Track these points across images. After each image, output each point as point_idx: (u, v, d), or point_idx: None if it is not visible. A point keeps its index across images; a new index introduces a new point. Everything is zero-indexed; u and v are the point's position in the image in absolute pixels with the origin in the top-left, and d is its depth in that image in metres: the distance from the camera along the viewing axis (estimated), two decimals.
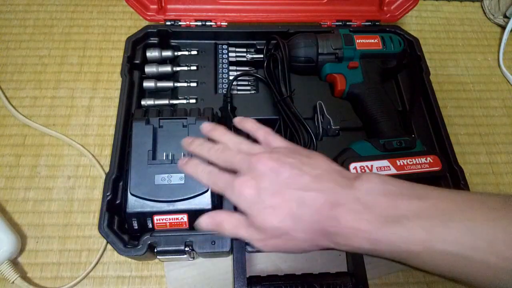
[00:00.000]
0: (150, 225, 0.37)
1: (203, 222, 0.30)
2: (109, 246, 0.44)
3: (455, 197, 0.24)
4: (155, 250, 0.36)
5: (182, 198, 0.36)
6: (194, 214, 0.37)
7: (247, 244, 0.36)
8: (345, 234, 0.25)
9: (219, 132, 0.33)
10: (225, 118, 0.44)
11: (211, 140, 0.33)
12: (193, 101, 0.47)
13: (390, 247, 0.24)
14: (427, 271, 0.24)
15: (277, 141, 0.31)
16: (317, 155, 0.30)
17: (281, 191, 0.26)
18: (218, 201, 0.38)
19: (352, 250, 0.26)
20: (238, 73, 0.49)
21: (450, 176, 0.43)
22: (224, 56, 0.51)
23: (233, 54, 0.51)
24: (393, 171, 0.37)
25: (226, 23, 0.51)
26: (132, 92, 0.46)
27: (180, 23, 0.51)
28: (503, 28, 0.62)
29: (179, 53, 0.50)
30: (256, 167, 0.28)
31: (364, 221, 0.24)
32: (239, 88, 0.49)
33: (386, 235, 0.24)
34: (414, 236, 0.23)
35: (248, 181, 0.27)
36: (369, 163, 0.37)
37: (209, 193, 0.37)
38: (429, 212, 0.23)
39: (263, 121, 0.46)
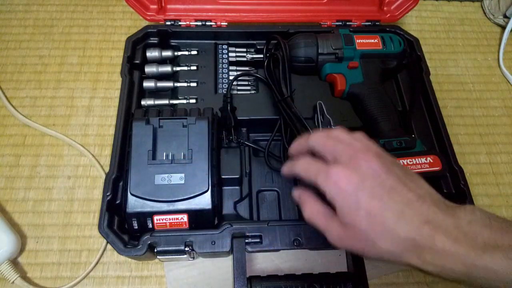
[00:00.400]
0: (150, 225, 0.37)
1: (295, 192, 0.31)
2: (109, 246, 0.44)
3: None
4: (155, 250, 0.36)
5: (182, 198, 0.36)
6: (194, 214, 0.37)
7: (247, 244, 0.37)
8: (439, 252, 0.24)
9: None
10: (224, 119, 0.44)
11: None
12: (193, 101, 0.47)
13: (487, 273, 0.23)
14: None
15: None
16: (418, 176, 0.28)
17: (383, 198, 0.25)
18: (218, 201, 0.38)
19: (440, 272, 0.25)
20: (238, 73, 0.49)
21: (450, 176, 0.43)
22: (224, 56, 0.51)
23: (233, 54, 0.51)
24: None
25: (226, 23, 0.51)
26: (132, 92, 0.46)
27: (180, 23, 0.51)
28: (503, 28, 0.62)
29: (179, 53, 0.50)
30: (360, 163, 0.27)
31: (463, 245, 0.24)
32: (239, 88, 0.49)
33: (485, 261, 0.23)
34: None
35: (348, 173, 0.26)
36: None
37: (209, 193, 0.37)
38: None
39: (263, 121, 0.46)
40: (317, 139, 0.30)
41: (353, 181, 0.26)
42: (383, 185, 0.26)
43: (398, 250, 0.25)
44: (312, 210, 0.29)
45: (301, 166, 0.30)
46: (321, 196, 0.29)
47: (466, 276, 0.24)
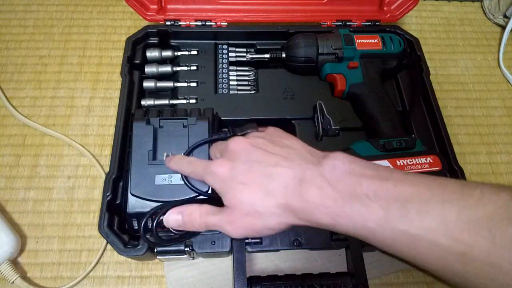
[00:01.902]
0: (150, 225, 0.37)
1: (171, 218, 0.32)
2: (109, 246, 0.44)
3: (416, 180, 0.25)
4: (155, 250, 0.36)
5: (183, 198, 0.36)
6: None
7: (247, 244, 0.37)
8: (308, 209, 0.26)
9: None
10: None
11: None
12: (193, 101, 0.47)
13: (349, 222, 0.25)
14: (383, 250, 0.25)
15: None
16: (292, 137, 0.31)
17: (252, 168, 0.28)
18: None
19: (313, 224, 0.27)
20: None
21: (450, 176, 0.43)
22: (224, 56, 0.51)
23: (233, 54, 0.51)
24: None
25: (226, 23, 0.51)
26: (132, 92, 0.46)
27: (180, 23, 0.51)
28: (503, 28, 0.62)
29: (179, 53, 0.50)
30: (230, 148, 0.30)
31: (326, 196, 0.25)
32: (239, 88, 0.49)
33: (345, 211, 0.25)
34: (371, 213, 0.24)
35: (222, 162, 0.30)
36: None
37: (209, 193, 0.37)
38: (388, 193, 0.24)
39: (263, 121, 0.46)
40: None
41: (227, 165, 0.29)
42: (250, 156, 0.29)
43: (280, 213, 0.27)
44: (200, 216, 0.31)
45: (190, 169, 0.33)
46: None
47: (335, 228, 0.26)
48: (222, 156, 0.31)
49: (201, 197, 0.36)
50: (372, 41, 0.48)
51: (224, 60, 0.51)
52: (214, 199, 0.36)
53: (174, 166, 0.34)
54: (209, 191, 0.36)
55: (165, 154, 0.38)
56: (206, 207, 0.31)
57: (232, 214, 0.28)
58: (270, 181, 0.27)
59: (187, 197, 0.36)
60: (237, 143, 0.30)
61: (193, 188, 0.35)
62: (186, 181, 0.35)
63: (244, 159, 0.29)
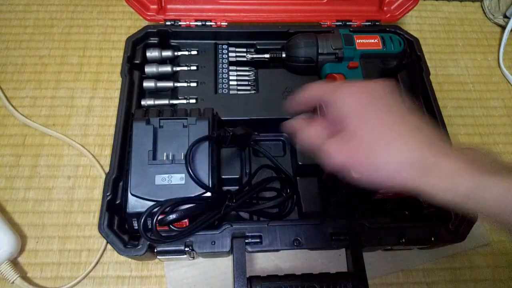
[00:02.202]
0: (150, 225, 0.37)
1: (287, 123, 0.30)
2: (109, 246, 0.44)
3: None
4: (155, 250, 0.36)
5: (183, 196, 0.36)
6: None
7: (247, 244, 0.37)
8: (444, 173, 0.23)
9: None
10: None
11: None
12: (193, 101, 0.47)
13: (492, 196, 0.22)
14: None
15: None
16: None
17: (390, 115, 0.26)
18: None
19: (439, 193, 0.24)
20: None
21: None
22: (224, 56, 0.51)
23: (233, 54, 0.51)
24: None
25: (226, 23, 0.51)
26: (132, 92, 0.46)
27: (180, 23, 0.51)
28: (503, 28, 0.62)
29: (179, 53, 0.50)
30: (371, 86, 0.27)
31: (469, 167, 0.23)
32: (239, 88, 0.49)
33: (492, 183, 0.22)
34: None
35: (359, 90, 0.27)
36: None
37: (209, 194, 0.37)
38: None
39: (263, 121, 0.46)
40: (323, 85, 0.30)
41: (363, 97, 0.26)
42: (391, 107, 0.26)
43: (399, 165, 0.24)
44: (308, 132, 0.29)
45: (315, 87, 0.30)
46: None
47: (468, 199, 0.23)
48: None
49: (204, 195, 0.37)
50: (372, 41, 0.48)
51: (224, 60, 0.51)
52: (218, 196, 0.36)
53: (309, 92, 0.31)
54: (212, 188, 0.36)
55: (165, 154, 0.38)
56: (315, 127, 0.29)
57: (345, 143, 0.26)
58: (407, 136, 0.25)
59: (188, 196, 0.36)
60: (379, 83, 0.27)
61: (198, 183, 0.35)
62: (192, 175, 0.35)
63: (384, 101, 0.26)
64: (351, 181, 0.27)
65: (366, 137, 0.25)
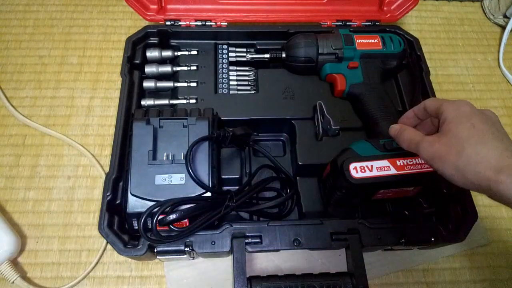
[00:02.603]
0: (150, 225, 0.37)
1: (394, 126, 0.35)
2: (109, 246, 0.44)
3: None
4: (155, 250, 0.36)
5: (184, 196, 0.36)
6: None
7: (247, 244, 0.37)
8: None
9: None
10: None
11: None
12: (193, 101, 0.47)
13: None
14: None
15: None
16: None
17: (491, 127, 0.29)
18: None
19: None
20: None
21: None
22: (224, 56, 0.51)
23: (233, 54, 0.51)
24: (393, 171, 0.37)
25: (226, 23, 0.51)
26: (132, 92, 0.46)
27: (180, 23, 0.51)
28: (503, 28, 0.62)
29: (179, 53, 0.50)
30: (479, 109, 0.31)
31: None
32: (239, 88, 0.49)
33: None
34: None
35: (469, 104, 0.31)
36: (369, 163, 0.37)
37: (209, 194, 0.37)
38: None
39: (263, 121, 0.46)
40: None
41: (472, 108, 0.30)
42: (492, 123, 0.30)
43: (484, 165, 0.27)
44: (411, 133, 0.33)
45: (433, 99, 0.34)
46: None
47: None
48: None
49: (204, 195, 0.37)
50: (372, 41, 0.48)
51: (224, 60, 0.51)
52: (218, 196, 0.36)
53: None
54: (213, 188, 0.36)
55: (165, 154, 0.38)
56: (417, 131, 0.33)
57: (441, 137, 0.29)
58: (502, 142, 0.28)
59: (188, 196, 0.36)
60: (487, 110, 0.31)
61: (198, 183, 0.35)
62: (192, 175, 0.35)
63: (488, 120, 0.30)
64: (438, 172, 0.30)
65: (460, 134, 0.29)
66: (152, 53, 0.49)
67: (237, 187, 0.42)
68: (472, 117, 0.29)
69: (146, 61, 0.49)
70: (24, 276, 0.42)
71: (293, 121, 0.46)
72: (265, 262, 0.42)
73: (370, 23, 0.53)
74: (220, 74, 0.50)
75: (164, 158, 0.38)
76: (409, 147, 0.33)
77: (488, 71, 0.60)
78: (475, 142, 0.28)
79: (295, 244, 0.37)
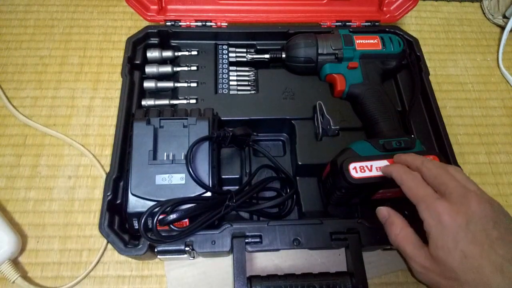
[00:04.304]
0: (150, 225, 0.37)
1: (383, 210, 0.32)
2: (109, 246, 0.44)
3: None
4: (156, 250, 0.36)
5: (184, 196, 0.36)
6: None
7: (247, 243, 0.37)
8: None
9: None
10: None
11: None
12: (193, 101, 0.47)
13: None
14: None
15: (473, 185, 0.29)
16: None
17: (484, 246, 0.25)
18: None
19: None
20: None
21: None
22: (224, 56, 0.51)
23: (233, 55, 0.51)
24: None
25: (226, 24, 0.51)
26: (133, 92, 0.47)
27: (180, 23, 0.51)
28: (503, 28, 0.62)
29: (179, 53, 0.50)
30: (470, 204, 0.26)
31: None
32: (239, 88, 0.49)
33: None
34: None
35: (455, 210, 0.26)
36: (368, 163, 0.37)
37: (209, 194, 0.37)
38: None
39: (263, 121, 0.46)
40: (432, 167, 0.30)
41: (457, 220, 0.26)
42: (488, 233, 0.25)
43: None
44: (401, 233, 0.29)
45: (411, 182, 0.30)
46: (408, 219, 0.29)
47: None
48: (453, 199, 0.27)
49: (205, 195, 0.37)
50: (372, 41, 0.48)
51: (224, 60, 0.51)
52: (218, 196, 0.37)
53: (393, 169, 0.32)
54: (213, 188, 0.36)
55: (165, 154, 0.38)
56: (410, 233, 0.29)
57: (433, 263, 0.26)
58: (498, 273, 0.24)
59: (188, 196, 0.36)
60: (479, 204, 0.26)
61: (199, 183, 0.35)
62: (192, 175, 0.35)
63: (479, 227, 0.25)
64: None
65: (450, 265, 0.25)
66: (152, 54, 0.49)
67: (237, 187, 0.42)
68: (459, 240, 0.25)
69: (146, 61, 0.49)
70: (24, 276, 0.42)
71: (293, 121, 0.46)
72: (265, 261, 0.42)
73: (369, 24, 0.53)
74: (220, 75, 0.50)
75: (165, 158, 0.38)
76: (395, 245, 0.29)
77: (487, 71, 0.60)
78: (473, 279, 0.24)
79: (295, 243, 0.37)
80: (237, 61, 0.51)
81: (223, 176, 0.43)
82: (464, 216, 0.26)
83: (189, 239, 0.36)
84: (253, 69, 0.51)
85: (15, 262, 0.42)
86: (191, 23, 0.51)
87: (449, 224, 0.26)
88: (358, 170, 0.37)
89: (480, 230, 0.25)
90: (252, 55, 0.51)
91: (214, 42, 0.52)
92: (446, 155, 0.44)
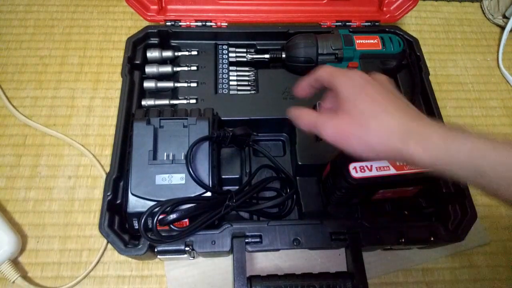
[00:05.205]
0: (150, 225, 0.37)
1: (291, 110, 0.33)
2: (109, 246, 0.44)
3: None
4: (156, 250, 0.36)
5: (184, 196, 0.36)
6: None
7: (247, 243, 0.37)
8: (431, 140, 0.26)
9: None
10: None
11: None
12: (193, 101, 0.47)
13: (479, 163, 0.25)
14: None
15: None
16: None
17: (385, 95, 0.29)
18: None
19: (429, 160, 0.26)
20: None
21: None
22: (224, 56, 0.51)
23: (233, 55, 0.51)
24: (393, 171, 0.37)
25: (226, 24, 0.51)
26: (133, 92, 0.47)
27: (180, 23, 0.51)
28: (503, 28, 0.62)
29: (179, 53, 0.51)
30: (370, 74, 0.31)
31: (452, 138, 0.26)
32: (239, 88, 0.49)
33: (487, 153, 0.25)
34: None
35: (362, 74, 0.31)
36: (368, 163, 0.37)
37: (209, 194, 0.37)
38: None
39: (263, 121, 0.46)
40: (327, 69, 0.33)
41: (364, 78, 0.30)
42: (387, 90, 0.30)
43: (391, 135, 0.27)
44: (307, 115, 0.32)
45: (324, 70, 0.33)
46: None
47: (444, 161, 0.26)
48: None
49: (205, 195, 0.37)
50: (372, 41, 0.48)
51: (224, 60, 0.51)
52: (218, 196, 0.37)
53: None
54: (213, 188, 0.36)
55: (165, 154, 0.38)
56: (315, 112, 0.32)
57: (342, 116, 0.29)
58: (399, 110, 0.28)
59: (188, 196, 0.36)
60: (379, 74, 0.31)
61: (199, 183, 0.35)
62: (192, 175, 0.35)
63: (381, 85, 0.30)
64: (345, 151, 0.29)
65: (359, 107, 0.29)
66: (152, 54, 0.49)
67: (237, 187, 0.42)
68: (367, 88, 0.29)
69: (146, 61, 0.49)
70: (24, 276, 0.42)
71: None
72: (265, 261, 0.42)
73: (369, 24, 0.53)
74: (220, 75, 0.50)
75: (165, 158, 0.38)
76: (310, 130, 0.32)
77: (487, 71, 0.60)
78: (378, 114, 0.28)
79: (295, 243, 0.37)
80: (237, 61, 0.51)
81: (223, 176, 0.43)
82: (369, 78, 0.31)
83: (189, 239, 0.36)
84: (253, 69, 0.51)
85: (15, 262, 0.42)
86: (191, 23, 0.51)
87: (358, 80, 0.30)
88: (358, 170, 0.37)
89: (381, 87, 0.30)
90: (252, 55, 0.51)
91: (214, 42, 0.52)
92: None
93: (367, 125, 0.28)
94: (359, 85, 0.30)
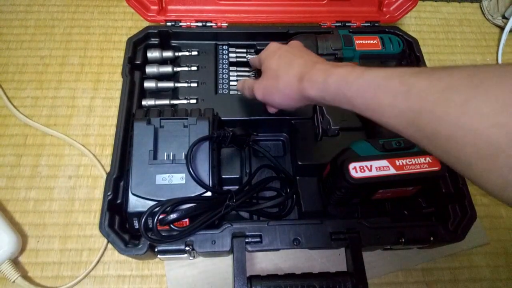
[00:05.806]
0: (151, 225, 0.37)
1: (238, 83, 0.44)
2: (109, 246, 0.44)
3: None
4: (156, 250, 0.36)
5: (184, 196, 0.36)
6: None
7: (247, 243, 0.37)
8: (317, 80, 0.32)
9: None
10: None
11: None
12: (194, 101, 0.47)
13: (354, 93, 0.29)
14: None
15: None
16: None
17: (291, 53, 0.36)
18: None
19: (319, 95, 0.31)
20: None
21: (449, 176, 0.43)
22: (224, 56, 0.51)
23: (233, 55, 0.51)
24: (393, 171, 0.37)
25: (226, 24, 0.52)
26: (133, 92, 0.47)
27: (180, 23, 0.51)
28: (502, 28, 0.62)
29: (180, 53, 0.51)
30: (286, 44, 0.39)
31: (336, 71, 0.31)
32: None
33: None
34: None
35: (276, 44, 0.39)
36: (368, 163, 0.37)
37: (209, 193, 0.37)
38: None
39: (263, 121, 0.46)
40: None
41: (277, 45, 0.38)
42: (297, 49, 0.38)
43: (294, 79, 0.34)
44: (247, 84, 0.40)
45: (259, 55, 0.40)
46: None
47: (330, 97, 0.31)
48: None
49: (205, 194, 0.37)
50: (372, 41, 0.49)
51: (224, 60, 0.51)
52: (218, 196, 0.37)
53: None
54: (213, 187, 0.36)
55: (165, 154, 0.38)
56: (252, 79, 0.42)
57: (264, 76, 0.37)
58: (299, 61, 0.34)
59: (188, 195, 0.36)
60: (290, 43, 0.40)
61: (199, 182, 0.36)
62: (193, 175, 0.35)
63: (290, 47, 0.38)
64: (274, 106, 0.39)
65: (272, 67, 0.36)
66: (152, 54, 0.49)
67: (237, 187, 0.42)
68: (277, 51, 0.37)
69: (147, 61, 0.49)
70: (25, 276, 0.42)
71: (293, 121, 0.46)
72: (265, 261, 0.43)
73: (369, 24, 0.53)
74: (221, 75, 0.50)
75: (165, 158, 0.38)
76: (250, 94, 0.39)
77: None
78: (284, 67, 0.35)
79: (295, 243, 0.37)
80: (237, 61, 0.51)
81: (223, 176, 0.43)
82: (281, 45, 0.38)
83: (189, 239, 0.36)
84: (253, 70, 0.51)
85: (15, 261, 0.42)
86: (192, 24, 0.51)
87: (274, 47, 0.38)
88: (358, 170, 0.37)
89: (290, 49, 0.37)
90: (252, 55, 0.51)
91: (214, 42, 0.52)
92: None
93: (278, 78, 0.35)
94: (272, 51, 0.37)
